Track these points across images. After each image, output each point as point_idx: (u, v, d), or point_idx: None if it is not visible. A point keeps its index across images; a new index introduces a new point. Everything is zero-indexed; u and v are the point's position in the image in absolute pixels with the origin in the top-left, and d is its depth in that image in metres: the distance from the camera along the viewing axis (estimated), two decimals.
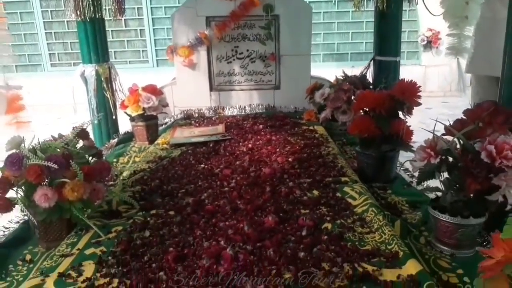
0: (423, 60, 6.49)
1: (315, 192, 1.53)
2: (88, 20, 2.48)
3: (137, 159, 2.21)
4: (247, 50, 2.96)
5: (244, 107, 3.03)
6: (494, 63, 2.00)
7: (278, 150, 2.03)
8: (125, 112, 2.46)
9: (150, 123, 2.49)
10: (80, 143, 1.48)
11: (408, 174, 1.92)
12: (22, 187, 1.28)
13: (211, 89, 3.02)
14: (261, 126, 2.50)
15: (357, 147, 1.88)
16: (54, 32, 6.43)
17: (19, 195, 1.28)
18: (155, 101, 2.40)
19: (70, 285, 1.04)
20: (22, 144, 1.29)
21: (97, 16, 2.51)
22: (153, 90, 2.45)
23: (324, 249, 1.13)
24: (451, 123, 1.33)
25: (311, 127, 2.49)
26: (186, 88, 3.00)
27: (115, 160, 2.25)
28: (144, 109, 2.40)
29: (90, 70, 2.59)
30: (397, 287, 0.98)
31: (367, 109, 1.78)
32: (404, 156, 1.82)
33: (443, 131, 1.29)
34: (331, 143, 2.17)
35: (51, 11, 6.30)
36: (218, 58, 2.97)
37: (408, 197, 1.64)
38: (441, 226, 1.23)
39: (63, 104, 5.39)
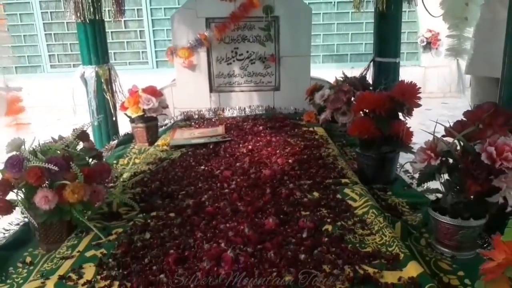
0: (423, 61, 6.50)
1: (316, 194, 1.53)
2: (88, 21, 2.48)
3: (137, 161, 2.21)
4: (247, 52, 2.96)
5: (244, 108, 3.03)
6: (494, 65, 2.00)
7: (278, 151, 2.03)
8: (125, 114, 2.46)
9: (150, 124, 2.49)
10: (81, 145, 1.48)
11: (408, 176, 1.92)
12: (23, 189, 1.28)
13: (211, 90, 3.02)
14: (261, 128, 2.50)
15: (357, 149, 1.88)
16: (54, 34, 6.43)
17: (19, 197, 1.28)
18: (155, 103, 2.40)
19: None
20: (23, 146, 1.29)
21: (97, 18, 2.51)
22: (153, 91, 2.45)
23: (325, 251, 1.12)
24: (451, 124, 1.33)
25: (311, 129, 2.49)
26: (186, 89, 3.00)
27: (115, 161, 2.24)
28: (144, 110, 2.40)
29: (90, 71, 2.58)
30: None
31: (367, 110, 1.78)
32: (404, 158, 1.82)
33: (443, 133, 1.30)
34: (331, 145, 2.17)
35: (50, 12, 6.30)
36: (218, 59, 2.97)
37: (408, 198, 1.64)
38: (441, 227, 1.23)
39: (63, 105, 5.39)
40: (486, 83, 2.59)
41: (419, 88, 1.70)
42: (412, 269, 1.03)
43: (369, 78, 2.82)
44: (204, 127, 2.65)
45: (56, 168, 1.21)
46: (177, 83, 3.03)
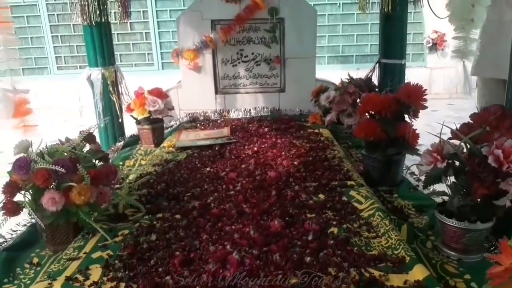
0: (429, 62, 6.46)
1: (321, 196, 1.53)
2: (94, 24, 2.50)
3: (143, 162, 2.22)
4: (252, 53, 2.97)
5: (249, 110, 3.03)
6: (501, 66, 1.99)
7: (283, 153, 2.03)
8: (131, 115, 2.47)
9: (156, 126, 2.50)
10: (87, 147, 1.49)
11: (414, 178, 1.91)
12: (30, 191, 1.29)
13: (216, 92, 3.03)
14: (266, 129, 2.50)
15: (363, 151, 1.87)
16: (61, 36, 6.47)
17: (26, 199, 1.29)
18: (161, 104, 2.41)
19: None
20: (30, 148, 1.30)
21: (103, 20, 2.52)
22: (159, 93, 2.46)
23: (331, 253, 1.12)
24: (458, 126, 1.32)
25: (316, 130, 2.49)
26: (192, 91, 3.01)
27: (121, 163, 2.26)
28: (150, 112, 2.41)
29: (96, 73, 2.60)
30: None
31: (372, 112, 1.78)
32: (410, 159, 1.81)
33: (450, 135, 1.29)
34: (337, 146, 2.16)
35: (57, 14, 6.35)
36: (223, 61, 2.98)
37: (414, 201, 1.63)
38: (448, 230, 1.22)
39: (69, 107, 5.43)
40: (493, 84, 2.58)
41: (425, 90, 1.69)
42: (418, 272, 1.02)
43: (375, 79, 2.81)
44: (210, 129, 2.66)
45: (63, 170, 1.22)
46: (183, 85, 3.04)
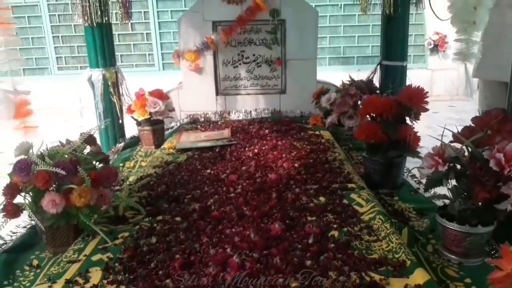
0: (430, 64, 6.46)
1: (322, 199, 1.52)
2: (95, 25, 2.50)
3: (143, 164, 2.22)
4: (253, 55, 2.97)
5: (250, 111, 3.03)
6: (503, 68, 1.99)
7: (284, 155, 2.03)
8: (132, 117, 2.47)
9: (157, 127, 2.50)
10: (88, 149, 1.48)
11: (415, 180, 1.91)
12: (30, 193, 1.29)
13: (217, 93, 3.02)
14: (267, 131, 2.50)
15: (364, 153, 1.87)
16: (61, 36, 6.48)
17: (27, 201, 1.29)
18: (162, 106, 2.41)
19: None
20: (31, 150, 1.30)
21: (104, 21, 2.53)
22: (159, 94, 2.46)
23: (331, 257, 1.12)
24: (459, 129, 1.32)
25: (317, 132, 2.48)
26: (192, 92, 3.01)
27: (121, 164, 2.26)
28: (150, 113, 2.41)
29: (97, 74, 2.60)
30: None
31: (374, 115, 1.77)
32: (410, 162, 1.81)
33: (451, 137, 1.29)
34: (338, 149, 2.16)
35: (58, 15, 6.36)
36: (224, 62, 2.98)
37: (415, 204, 1.63)
38: (449, 234, 1.22)
39: (70, 107, 5.43)
40: (495, 86, 2.58)
41: (427, 92, 1.69)
42: (419, 276, 1.02)
43: (376, 81, 2.81)
44: (210, 130, 2.65)
45: (63, 172, 1.22)
46: (184, 86, 3.04)
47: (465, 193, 1.20)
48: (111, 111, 2.67)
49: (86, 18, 2.48)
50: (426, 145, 1.73)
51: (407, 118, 1.75)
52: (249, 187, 1.63)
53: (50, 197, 1.23)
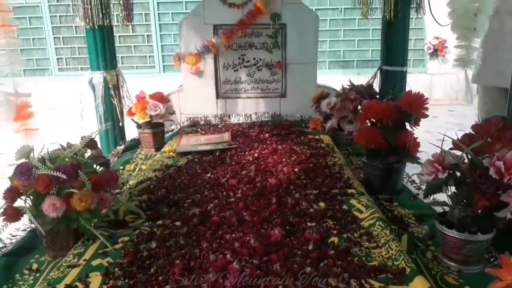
0: (429, 68, 6.48)
1: (322, 204, 1.53)
2: (96, 27, 2.50)
3: (143, 167, 2.22)
4: (254, 58, 2.97)
5: (250, 115, 3.03)
6: (503, 74, 2.00)
7: (284, 159, 2.03)
8: (132, 119, 2.47)
9: (157, 130, 2.50)
10: (88, 152, 1.49)
11: (414, 186, 1.91)
12: (31, 197, 1.29)
13: (217, 96, 3.03)
14: (267, 135, 2.50)
15: (364, 158, 1.87)
16: (62, 37, 6.49)
17: (27, 205, 1.29)
18: (162, 109, 2.41)
19: None
20: (31, 154, 1.30)
21: (105, 24, 2.53)
22: (160, 97, 2.46)
23: (331, 264, 1.12)
24: (459, 134, 1.32)
25: (317, 136, 2.49)
26: (193, 95, 3.02)
27: (121, 167, 2.26)
28: (151, 116, 2.41)
29: (98, 77, 2.61)
30: None
31: (373, 120, 1.78)
32: (409, 166, 1.82)
33: (450, 142, 1.29)
34: (337, 153, 2.16)
35: (59, 16, 6.37)
36: (225, 66, 2.98)
37: (414, 210, 1.63)
38: (448, 241, 1.22)
39: (70, 108, 5.44)
40: (494, 92, 2.58)
41: (427, 98, 1.70)
42: (419, 284, 1.02)
43: (376, 86, 2.82)
44: (211, 134, 2.66)
45: (64, 177, 1.22)
46: (184, 89, 3.04)
47: (465, 201, 1.20)
48: (112, 114, 2.67)
49: (87, 20, 2.48)
50: (426, 149, 1.74)
51: (407, 124, 1.75)
52: (249, 192, 1.63)
53: (50, 201, 1.23)
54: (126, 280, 1.09)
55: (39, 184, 1.23)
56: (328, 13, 6.34)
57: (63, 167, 1.25)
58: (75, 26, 6.25)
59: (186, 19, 2.96)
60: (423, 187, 1.38)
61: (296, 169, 1.88)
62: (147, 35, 6.47)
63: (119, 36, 6.23)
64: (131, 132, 2.82)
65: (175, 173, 1.94)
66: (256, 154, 2.13)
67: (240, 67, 2.99)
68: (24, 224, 1.51)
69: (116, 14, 2.79)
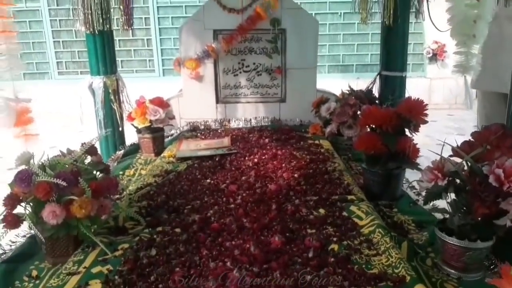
0: (428, 72, 6.49)
1: (322, 211, 1.53)
2: (97, 32, 2.51)
3: (143, 172, 2.22)
4: (254, 63, 2.98)
5: (250, 119, 3.04)
6: (502, 79, 2.00)
7: (284, 165, 2.03)
8: (132, 124, 2.48)
9: (157, 135, 2.50)
10: (88, 159, 1.49)
11: (414, 192, 1.91)
12: (30, 204, 1.29)
13: (217, 101, 3.03)
14: (266, 140, 2.50)
15: (363, 164, 1.87)
16: (62, 41, 6.50)
17: (27, 211, 1.29)
18: (162, 114, 2.41)
19: None
20: (31, 160, 1.31)
21: (105, 29, 2.54)
22: (160, 102, 2.47)
23: (331, 272, 1.12)
24: (457, 139, 1.33)
25: (316, 141, 2.49)
26: (193, 100, 3.02)
27: (121, 172, 2.25)
28: (151, 121, 2.42)
29: (98, 82, 2.61)
30: None
31: (373, 126, 1.78)
32: (409, 172, 1.82)
33: (450, 147, 1.29)
34: (337, 159, 2.16)
35: (59, 20, 6.38)
36: (224, 70, 2.99)
37: (414, 216, 1.63)
38: (448, 248, 1.22)
39: (69, 112, 5.44)
40: (493, 97, 2.59)
41: (426, 105, 1.70)
42: None
43: (375, 91, 2.82)
44: (210, 138, 2.66)
45: (64, 184, 1.22)
46: (184, 94, 3.05)
47: (465, 208, 1.20)
48: (112, 118, 2.67)
49: (88, 25, 2.48)
50: (425, 154, 1.74)
51: (407, 130, 1.76)
52: (249, 198, 1.63)
53: (50, 208, 1.23)
54: None
55: (39, 191, 1.23)
56: (327, 17, 6.36)
57: (63, 174, 1.25)
58: (75, 30, 6.25)
59: (186, 24, 2.97)
60: (423, 193, 1.38)
61: (296, 175, 1.88)
62: (147, 39, 6.48)
63: (119, 40, 6.24)
64: (131, 137, 2.82)
65: (175, 178, 1.94)
66: (256, 160, 2.13)
67: (240, 72, 2.99)
68: (24, 230, 1.50)
69: (116, 18, 2.79)
